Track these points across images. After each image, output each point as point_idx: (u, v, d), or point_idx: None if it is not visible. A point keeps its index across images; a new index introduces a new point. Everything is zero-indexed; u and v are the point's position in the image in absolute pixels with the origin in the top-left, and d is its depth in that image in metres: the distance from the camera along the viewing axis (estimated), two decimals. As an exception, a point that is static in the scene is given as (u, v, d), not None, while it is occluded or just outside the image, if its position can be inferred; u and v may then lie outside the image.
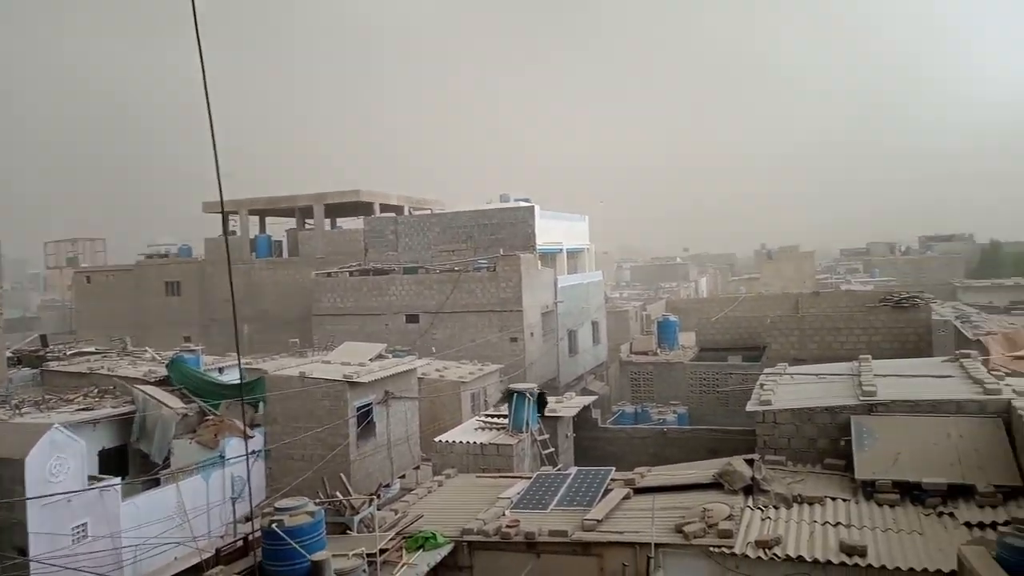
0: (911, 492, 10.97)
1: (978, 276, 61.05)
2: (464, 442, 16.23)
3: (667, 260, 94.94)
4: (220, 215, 35.87)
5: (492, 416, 18.12)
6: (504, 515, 12.02)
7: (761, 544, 9.67)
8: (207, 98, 6.23)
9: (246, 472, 16.94)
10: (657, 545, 10.18)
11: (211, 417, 18.43)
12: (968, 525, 9.98)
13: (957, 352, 17.20)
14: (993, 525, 9.70)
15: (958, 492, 10.76)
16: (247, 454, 17.45)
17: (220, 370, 22.49)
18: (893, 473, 11.23)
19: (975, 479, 10.78)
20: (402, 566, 10.42)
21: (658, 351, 32.64)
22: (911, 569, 8.92)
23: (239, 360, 11.54)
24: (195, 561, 12.24)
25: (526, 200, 33.08)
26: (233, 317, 8.48)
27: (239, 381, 19.53)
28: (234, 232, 39.52)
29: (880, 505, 10.85)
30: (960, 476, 10.89)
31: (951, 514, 10.35)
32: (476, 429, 17.31)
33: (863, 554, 9.26)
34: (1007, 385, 13.01)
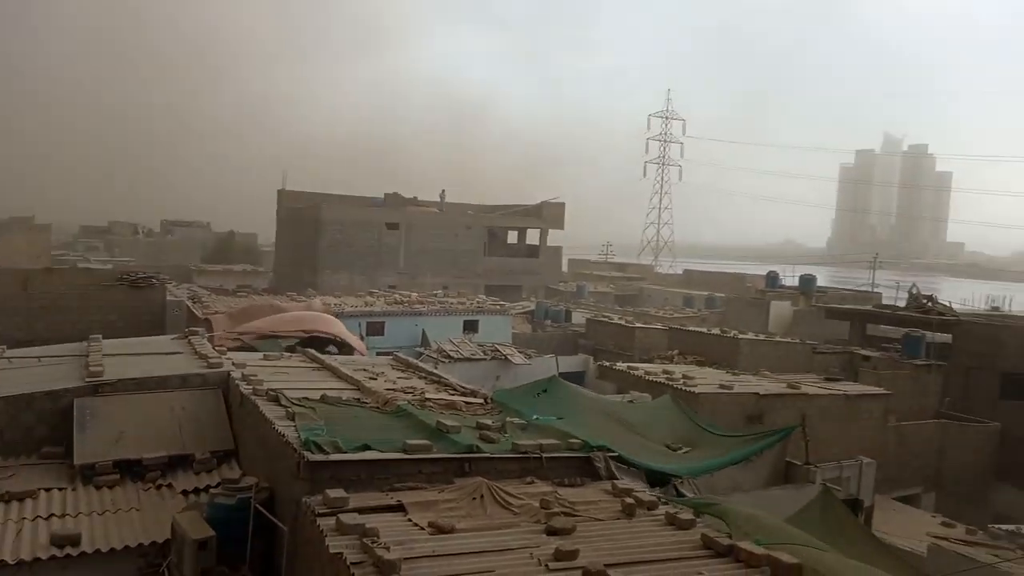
0: (132, 469, 11.03)
1: (213, 261, 66.37)
2: None
3: None
4: None
5: None
6: None
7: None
8: None
9: None
10: None
11: None
12: (185, 492, 10.61)
13: (187, 330, 18.31)
14: (207, 488, 10.53)
15: (178, 463, 11.32)
16: None
17: None
18: (114, 453, 11.08)
19: (194, 448, 11.54)
20: None
21: None
22: (126, 547, 8.97)
23: None
24: None
25: None
26: None
27: None
28: None
29: (99, 488, 10.56)
30: (181, 447, 11.50)
31: (170, 485, 10.84)
32: None
33: (76, 543, 8.84)
34: (228, 359, 14.45)
